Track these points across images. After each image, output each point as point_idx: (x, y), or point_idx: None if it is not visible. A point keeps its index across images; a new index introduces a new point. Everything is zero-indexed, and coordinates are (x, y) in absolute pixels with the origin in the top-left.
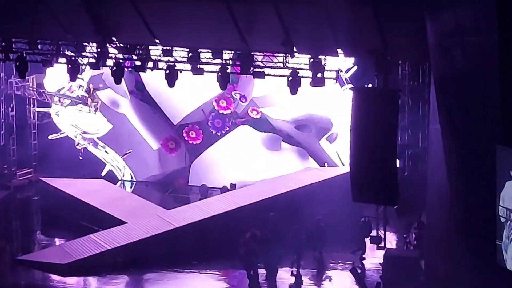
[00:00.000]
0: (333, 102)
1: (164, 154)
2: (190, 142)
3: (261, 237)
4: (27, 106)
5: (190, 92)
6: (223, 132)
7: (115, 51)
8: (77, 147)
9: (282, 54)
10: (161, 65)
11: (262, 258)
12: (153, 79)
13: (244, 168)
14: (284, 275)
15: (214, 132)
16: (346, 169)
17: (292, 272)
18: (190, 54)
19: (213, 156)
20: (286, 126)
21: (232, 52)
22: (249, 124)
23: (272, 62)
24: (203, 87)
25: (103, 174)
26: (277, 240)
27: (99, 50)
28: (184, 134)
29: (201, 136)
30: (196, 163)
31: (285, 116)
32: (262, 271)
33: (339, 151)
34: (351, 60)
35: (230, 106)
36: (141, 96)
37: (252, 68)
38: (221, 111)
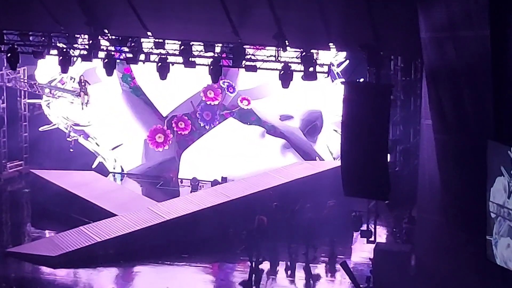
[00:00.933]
0: (320, 95)
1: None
2: (179, 132)
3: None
4: (18, 98)
5: (179, 84)
6: (212, 126)
7: (107, 43)
8: (68, 139)
9: (274, 48)
10: (153, 57)
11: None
12: (141, 71)
13: (231, 161)
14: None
15: (202, 124)
16: (338, 163)
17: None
18: (182, 47)
19: (200, 149)
20: (272, 118)
21: (224, 45)
22: (235, 117)
23: (264, 55)
24: (193, 79)
25: (93, 166)
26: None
27: (90, 42)
28: (173, 125)
29: (189, 126)
30: (185, 156)
31: (272, 109)
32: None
33: (330, 145)
34: (343, 54)
35: (218, 96)
36: (128, 88)
37: (244, 62)
38: (208, 102)
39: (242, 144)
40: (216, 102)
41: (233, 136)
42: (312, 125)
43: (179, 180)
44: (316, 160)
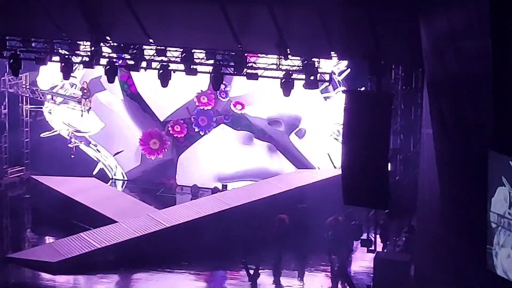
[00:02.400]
0: (304, 101)
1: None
2: (175, 135)
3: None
4: (19, 104)
5: (177, 89)
6: (208, 131)
7: (109, 50)
8: (69, 145)
9: (275, 56)
10: (154, 64)
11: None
12: (139, 77)
13: (223, 165)
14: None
15: (197, 130)
16: (338, 172)
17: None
18: (184, 54)
19: (194, 155)
20: (261, 123)
21: (226, 52)
22: (227, 123)
23: (266, 63)
24: (191, 83)
25: (94, 172)
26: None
27: (92, 48)
28: (170, 128)
29: (185, 129)
30: (180, 161)
31: (260, 114)
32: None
33: (331, 153)
34: (344, 62)
35: (211, 102)
36: (125, 94)
37: (245, 69)
38: (201, 107)
39: (232, 149)
40: (209, 107)
41: (224, 141)
42: (296, 129)
43: (180, 188)
44: (316, 168)
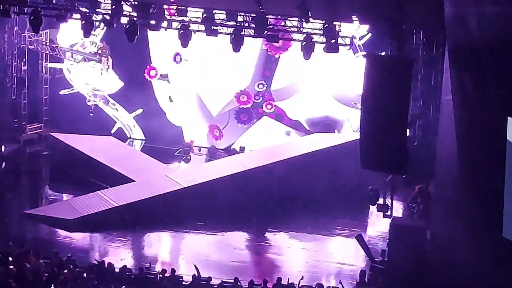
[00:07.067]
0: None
1: None
2: (215, 140)
3: None
4: (39, 61)
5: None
6: (251, 124)
7: (130, 9)
8: (88, 103)
9: (296, 19)
10: (175, 24)
11: None
12: None
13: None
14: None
15: (240, 125)
16: (355, 136)
17: None
18: (204, 15)
19: None
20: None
21: (247, 14)
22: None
23: (286, 26)
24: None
25: (112, 131)
26: None
27: (113, 7)
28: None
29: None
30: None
31: (301, 114)
32: None
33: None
34: (365, 27)
35: (250, 100)
36: None
37: (266, 32)
38: (241, 106)
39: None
40: (249, 105)
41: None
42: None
43: (198, 148)
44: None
